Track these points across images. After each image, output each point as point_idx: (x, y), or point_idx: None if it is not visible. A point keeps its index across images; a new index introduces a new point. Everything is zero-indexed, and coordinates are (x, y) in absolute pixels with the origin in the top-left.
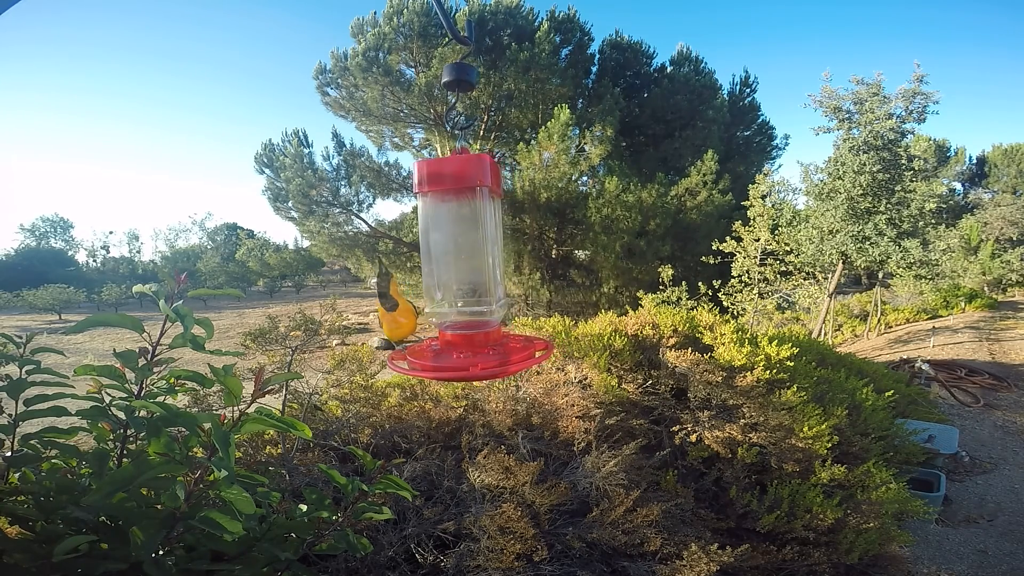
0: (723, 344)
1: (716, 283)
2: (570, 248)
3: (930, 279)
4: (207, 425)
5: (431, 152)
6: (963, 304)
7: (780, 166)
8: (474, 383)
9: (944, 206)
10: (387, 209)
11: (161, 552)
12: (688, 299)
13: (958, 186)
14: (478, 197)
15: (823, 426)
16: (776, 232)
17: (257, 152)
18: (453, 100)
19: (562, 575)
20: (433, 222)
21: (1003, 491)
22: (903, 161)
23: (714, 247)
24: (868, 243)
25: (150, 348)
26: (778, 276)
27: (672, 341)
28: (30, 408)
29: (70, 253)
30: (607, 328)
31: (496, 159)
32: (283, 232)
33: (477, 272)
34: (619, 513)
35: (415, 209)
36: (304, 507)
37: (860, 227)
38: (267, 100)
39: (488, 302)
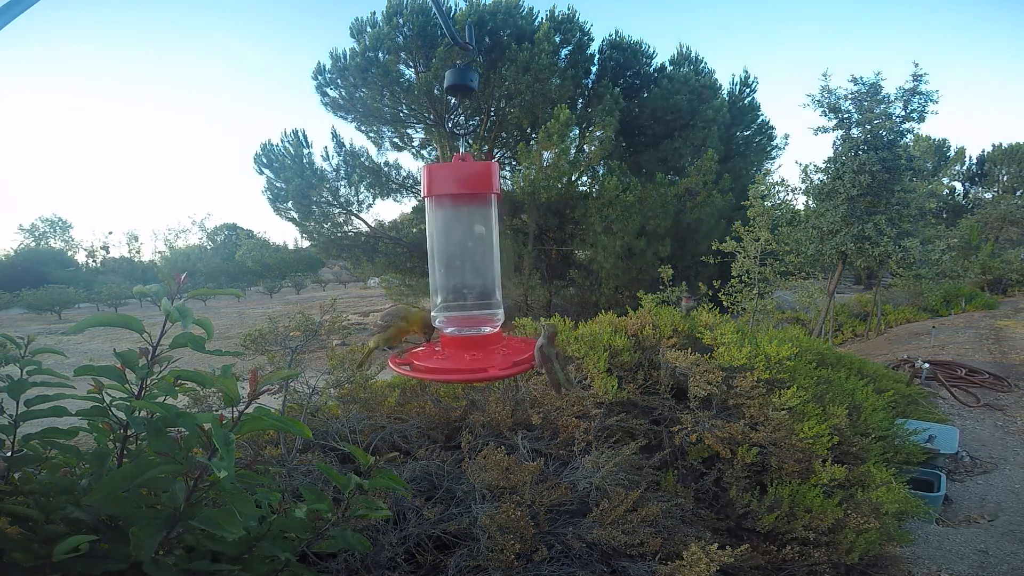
0: (723, 344)
1: (716, 283)
2: (570, 248)
3: (930, 279)
4: (207, 425)
5: (431, 152)
6: (963, 304)
7: (780, 166)
8: (474, 383)
9: (944, 206)
10: (387, 209)
11: (161, 552)
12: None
13: (958, 186)
14: (485, 203)
15: (823, 426)
16: (776, 232)
17: (256, 152)
18: (455, 103)
19: (562, 575)
20: (439, 226)
21: (1004, 491)
22: (902, 161)
23: (714, 247)
24: (868, 243)
25: (150, 348)
26: (778, 276)
27: (672, 341)
28: (31, 408)
29: (69, 253)
30: (607, 328)
31: (496, 159)
32: (283, 232)
33: (482, 275)
34: (619, 513)
35: (415, 209)
36: (303, 508)
37: (860, 227)
38: (268, 100)
39: (494, 304)
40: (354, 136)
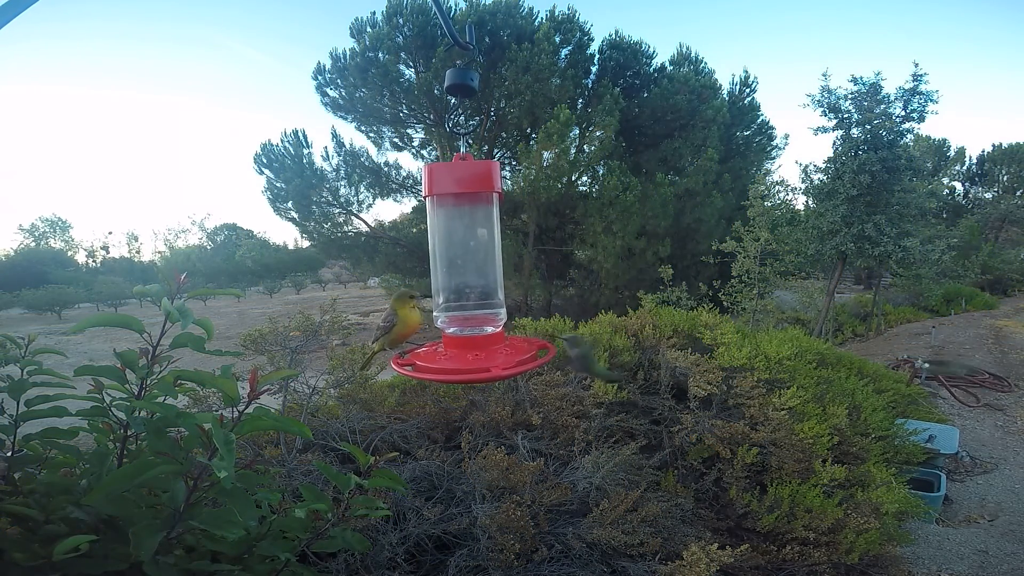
0: (723, 344)
1: (716, 283)
2: (570, 248)
3: (930, 278)
4: (207, 425)
5: (431, 152)
6: (963, 304)
7: (780, 166)
8: (476, 383)
9: (944, 206)
10: (387, 209)
11: (161, 552)
12: (688, 299)
13: (958, 186)
14: (487, 203)
15: (823, 426)
16: (776, 232)
17: (256, 152)
18: (455, 103)
19: (562, 575)
20: (441, 226)
21: (1004, 491)
22: (902, 161)
23: (714, 247)
24: (868, 243)
25: (150, 348)
26: (778, 276)
27: (672, 341)
28: (31, 408)
29: (69, 253)
30: (607, 328)
31: (496, 159)
32: (283, 232)
33: (484, 275)
34: (619, 513)
35: (415, 209)
36: (303, 508)
37: (860, 227)
38: (268, 100)
39: (497, 304)
40: (354, 136)
